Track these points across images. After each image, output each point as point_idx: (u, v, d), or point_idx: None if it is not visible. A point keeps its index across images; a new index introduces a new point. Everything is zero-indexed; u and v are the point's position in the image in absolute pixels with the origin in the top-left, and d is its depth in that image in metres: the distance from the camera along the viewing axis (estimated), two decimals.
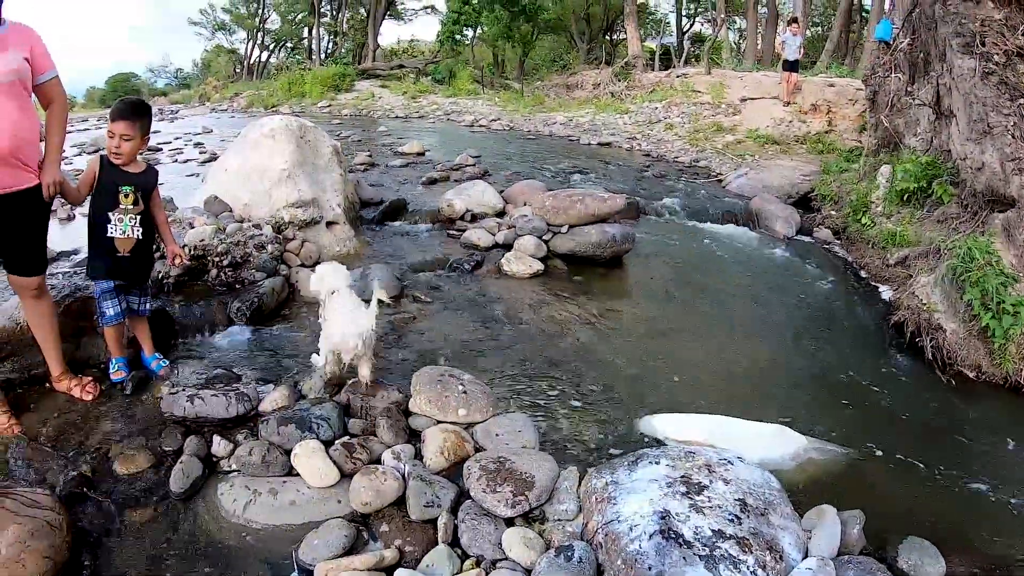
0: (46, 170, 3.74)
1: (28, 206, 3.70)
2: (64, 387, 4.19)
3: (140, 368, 4.51)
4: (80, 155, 14.34)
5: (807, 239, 9.53)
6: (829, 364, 5.82)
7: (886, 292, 7.40)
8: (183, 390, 4.07)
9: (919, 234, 7.75)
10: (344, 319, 4.20)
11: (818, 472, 4.12)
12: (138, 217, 4.16)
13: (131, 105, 4.15)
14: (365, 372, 4.25)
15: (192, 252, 5.64)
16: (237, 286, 5.70)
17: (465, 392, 4.10)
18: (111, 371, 4.38)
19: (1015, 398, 5.44)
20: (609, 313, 6.25)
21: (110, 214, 4.09)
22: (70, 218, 8.15)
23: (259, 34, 51.04)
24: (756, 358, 5.73)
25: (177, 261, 4.61)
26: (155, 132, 17.83)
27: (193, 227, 6.00)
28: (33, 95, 3.75)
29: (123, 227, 4.12)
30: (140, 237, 4.20)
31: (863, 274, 8.14)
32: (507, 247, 7.37)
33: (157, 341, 4.71)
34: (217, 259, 5.75)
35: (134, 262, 4.24)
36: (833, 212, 10.03)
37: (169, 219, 6.10)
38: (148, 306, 4.53)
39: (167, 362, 4.60)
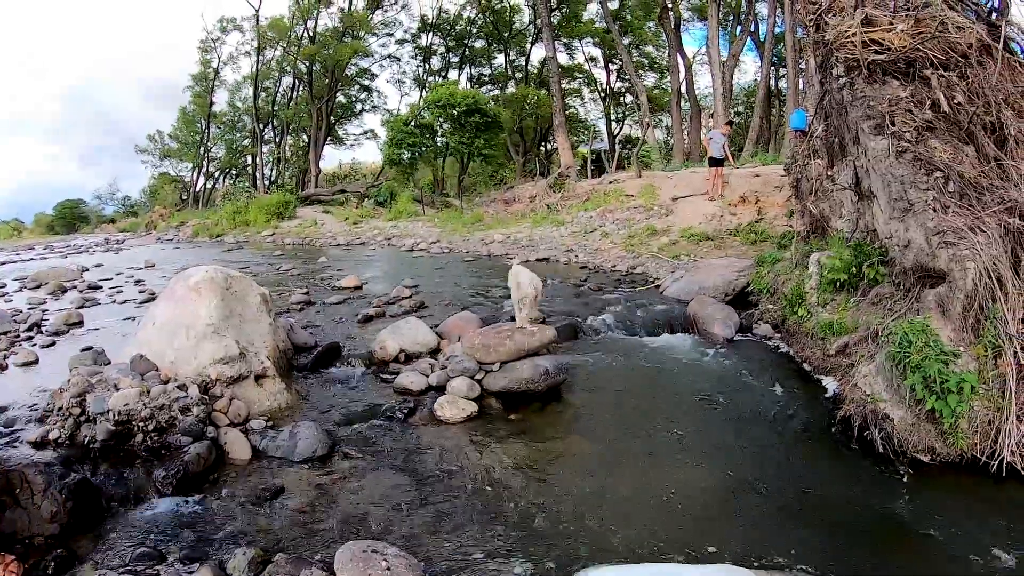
0: None
1: None
2: None
3: None
4: (21, 290, 14.18)
5: (748, 337, 9.58)
6: (778, 476, 5.69)
7: (830, 384, 7.37)
8: (105, 575, 3.93)
9: (856, 319, 7.78)
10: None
11: None
12: None
13: None
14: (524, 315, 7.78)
15: (117, 417, 5.51)
16: (163, 452, 5.55)
17: (389, 569, 3.96)
18: None
19: (971, 474, 5.44)
20: (544, 454, 6.13)
21: None
22: (2, 368, 7.99)
23: (204, 162, 51.58)
24: (701, 484, 5.59)
25: None
26: (98, 266, 17.82)
27: (119, 389, 5.87)
28: None
29: None
30: None
31: (806, 367, 8.13)
32: (440, 389, 7.26)
33: (82, 513, 4.60)
34: (142, 424, 5.61)
35: None
36: (771, 306, 10.10)
37: (96, 379, 6.03)
38: None
39: None
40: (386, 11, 45.78)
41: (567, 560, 4.47)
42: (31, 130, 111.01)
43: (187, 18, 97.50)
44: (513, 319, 8.02)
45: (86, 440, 5.43)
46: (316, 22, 42.31)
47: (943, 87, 7.28)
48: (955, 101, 7.22)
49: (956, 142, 7.07)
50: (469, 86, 44.24)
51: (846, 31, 8.00)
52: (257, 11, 42.74)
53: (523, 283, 7.67)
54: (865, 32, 7.82)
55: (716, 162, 17.94)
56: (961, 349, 5.91)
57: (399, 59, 48.52)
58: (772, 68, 34.28)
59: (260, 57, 44.80)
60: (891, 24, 7.82)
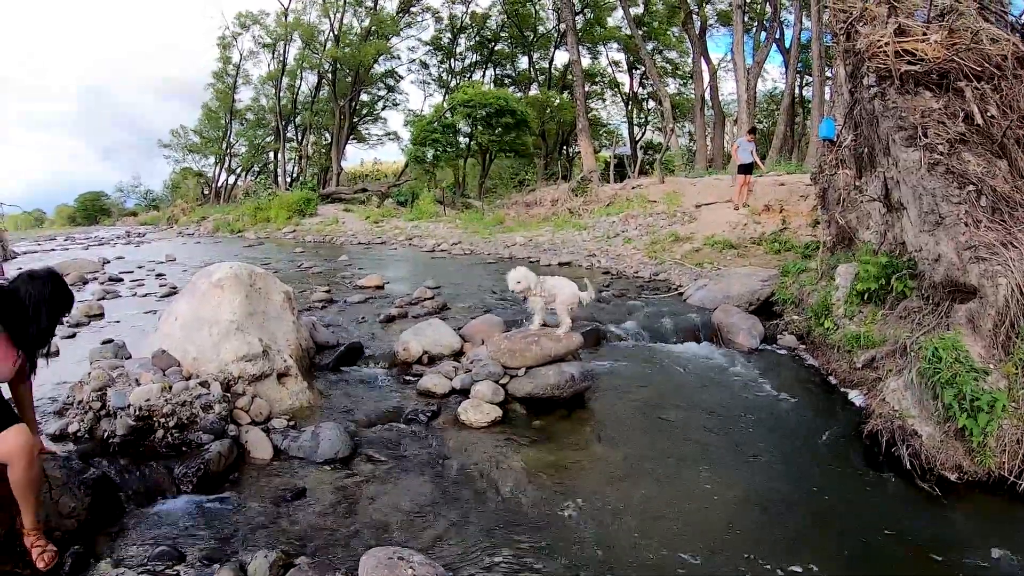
0: None
1: None
2: (29, 543, 4.01)
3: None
4: None
5: (772, 348, 9.52)
6: (805, 491, 5.58)
7: (857, 398, 7.29)
8: (123, 573, 3.89)
9: (883, 332, 7.66)
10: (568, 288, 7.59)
11: None
12: None
13: None
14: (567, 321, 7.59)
15: (138, 413, 5.48)
16: (184, 449, 5.51)
17: None
18: None
19: (998, 493, 5.34)
20: (571, 462, 6.05)
21: None
22: None
23: (227, 158, 51.82)
24: (726, 496, 5.48)
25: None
26: (119, 258, 17.89)
27: (140, 384, 5.84)
28: None
29: None
30: None
31: (832, 380, 8.04)
32: (464, 393, 7.19)
33: (101, 509, 4.54)
34: (163, 420, 5.58)
35: None
36: (796, 316, 10.02)
37: (116, 373, 6.00)
38: None
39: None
40: (415, 16, 45.94)
41: (593, 571, 4.40)
42: (53, 126, 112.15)
43: (185, 18, 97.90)
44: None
45: (106, 435, 5.41)
46: (342, 21, 42.42)
47: (977, 99, 7.18)
48: (989, 114, 7.12)
49: (989, 155, 6.98)
50: (493, 87, 44.32)
51: (878, 40, 7.90)
52: (287, 8, 42.93)
53: (565, 292, 7.60)
54: (898, 42, 7.73)
55: (745, 169, 17.85)
56: (991, 366, 5.80)
57: (427, 66, 48.72)
58: (797, 76, 34.14)
59: (285, 52, 45.00)
60: (924, 34, 7.73)
